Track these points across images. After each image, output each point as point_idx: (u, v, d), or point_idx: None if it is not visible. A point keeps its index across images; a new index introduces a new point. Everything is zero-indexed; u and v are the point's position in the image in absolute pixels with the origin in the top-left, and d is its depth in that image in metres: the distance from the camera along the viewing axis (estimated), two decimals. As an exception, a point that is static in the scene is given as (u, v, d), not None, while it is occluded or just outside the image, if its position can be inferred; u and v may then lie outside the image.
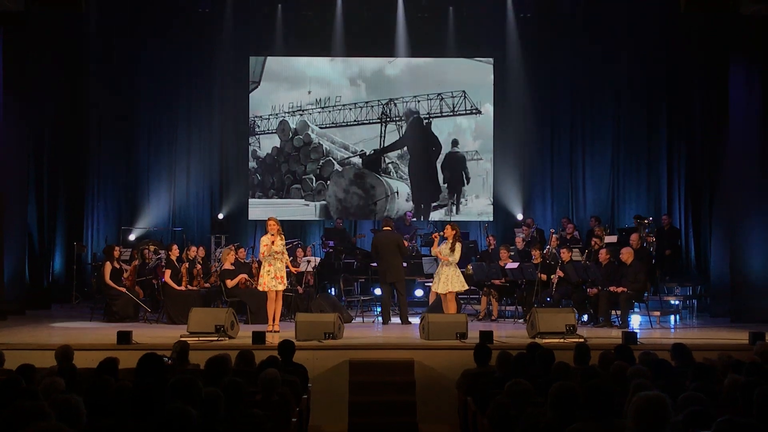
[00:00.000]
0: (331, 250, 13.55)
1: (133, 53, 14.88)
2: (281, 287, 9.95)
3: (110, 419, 4.17)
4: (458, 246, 10.35)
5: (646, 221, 13.41)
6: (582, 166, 15.39)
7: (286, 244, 13.29)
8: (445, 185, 15.71)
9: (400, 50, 15.29)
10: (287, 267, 10.20)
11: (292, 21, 15.15)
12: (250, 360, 6.58)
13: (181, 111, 15.36)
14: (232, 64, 15.41)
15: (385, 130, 15.72)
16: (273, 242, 9.91)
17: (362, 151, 15.75)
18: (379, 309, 11.99)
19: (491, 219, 15.45)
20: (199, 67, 15.15)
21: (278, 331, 9.69)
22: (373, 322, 11.50)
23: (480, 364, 6.90)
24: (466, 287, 10.72)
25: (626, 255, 10.74)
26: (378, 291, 12.59)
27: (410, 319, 10.86)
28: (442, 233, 10.72)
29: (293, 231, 15.58)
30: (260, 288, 10.10)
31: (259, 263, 10.55)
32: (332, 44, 15.16)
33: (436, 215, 15.65)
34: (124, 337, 8.55)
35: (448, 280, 10.28)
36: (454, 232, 10.41)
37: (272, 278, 9.87)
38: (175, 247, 11.71)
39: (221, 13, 14.87)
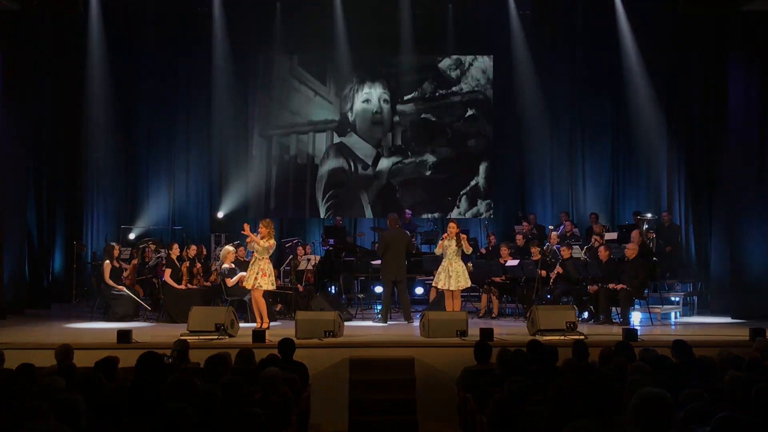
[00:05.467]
0: (330, 248, 13.53)
1: (132, 51, 14.84)
2: (269, 286, 9.96)
3: (109, 418, 4.16)
4: (464, 239, 10.46)
5: (646, 217, 13.40)
6: (582, 163, 15.36)
7: (286, 242, 13.27)
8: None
9: (400, 47, 15.25)
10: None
11: (292, 19, 15.10)
12: (250, 358, 6.58)
13: (180, 109, 15.31)
14: (231, 62, 15.36)
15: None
16: (249, 241, 10.05)
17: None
18: (379, 307, 11.97)
19: (491, 216, 15.45)
20: (198, 65, 15.11)
21: (268, 327, 9.66)
22: (373, 320, 11.49)
23: (480, 361, 6.90)
24: (470, 284, 10.75)
25: (630, 250, 10.75)
26: (378, 289, 12.58)
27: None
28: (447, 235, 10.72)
29: (293, 229, 15.59)
30: (245, 285, 10.18)
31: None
32: (331, 42, 15.13)
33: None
34: (124, 336, 8.56)
35: (459, 276, 10.30)
36: (457, 230, 10.47)
37: (254, 274, 9.91)
38: (176, 245, 11.70)
39: (221, 12, 14.81)
